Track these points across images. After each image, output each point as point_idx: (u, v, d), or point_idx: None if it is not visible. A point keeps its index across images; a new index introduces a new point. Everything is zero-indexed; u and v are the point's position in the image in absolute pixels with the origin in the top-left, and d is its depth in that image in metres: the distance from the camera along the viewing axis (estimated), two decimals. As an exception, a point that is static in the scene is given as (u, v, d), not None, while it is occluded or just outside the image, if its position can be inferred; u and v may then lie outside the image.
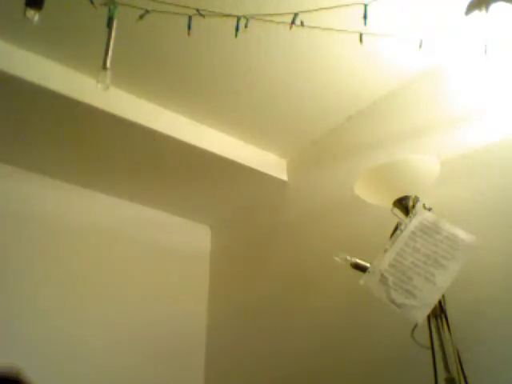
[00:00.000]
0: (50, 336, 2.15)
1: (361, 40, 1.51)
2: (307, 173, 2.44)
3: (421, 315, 1.31)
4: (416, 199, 1.58)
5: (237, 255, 2.69)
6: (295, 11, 1.45)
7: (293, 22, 1.46)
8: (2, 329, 2.05)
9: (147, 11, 1.39)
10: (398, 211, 1.60)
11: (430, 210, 1.50)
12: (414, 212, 1.49)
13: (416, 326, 1.42)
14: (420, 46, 1.62)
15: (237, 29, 1.43)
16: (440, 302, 1.41)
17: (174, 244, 2.73)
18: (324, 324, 2.02)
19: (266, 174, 2.46)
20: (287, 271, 2.30)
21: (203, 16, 1.44)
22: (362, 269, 1.43)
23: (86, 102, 1.95)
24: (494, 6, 1.38)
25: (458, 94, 1.86)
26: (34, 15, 1.24)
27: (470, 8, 1.40)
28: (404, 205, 1.59)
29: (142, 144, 2.23)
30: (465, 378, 1.35)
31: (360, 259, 1.47)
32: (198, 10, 1.43)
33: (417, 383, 1.55)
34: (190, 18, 1.43)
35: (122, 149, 2.27)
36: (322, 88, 2.11)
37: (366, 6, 1.41)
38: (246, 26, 1.43)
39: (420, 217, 1.46)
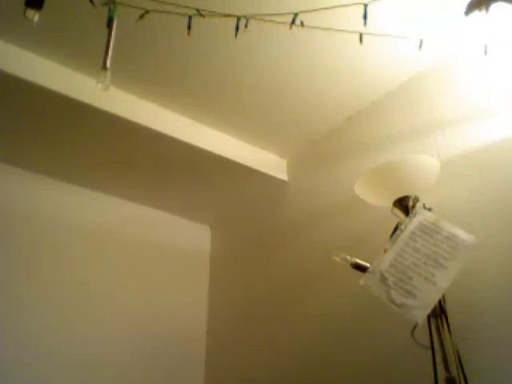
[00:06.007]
0: (48, 337, 2.15)
1: (361, 40, 1.52)
2: (307, 173, 2.44)
3: (421, 315, 1.31)
4: (416, 199, 1.58)
5: (237, 255, 2.68)
6: (295, 11, 1.46)
7: (293, 22, 1.46)
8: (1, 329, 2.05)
9: (147, 11, 1.40)
10: (398, 211, 1.60)
11: (430, 210, 1.50)
12: (414, 212, 1.49)
13: (416, 325, 1.42)
14: (420, 46, 1.62)
15: (237, 29, 1.44)
16: (440, 302, 1.41)
17: (174, 244, 2.73)
18: (324, 324, 2.02)
19: (266, 174, 2.46)
20: (287, 271, 2.30)
21: (203, 16, 1.45)
22: (362, 269, 1.43)
23: (85, 102, 1.95)
24: (493, 6, 1.38)
25: (457, 95, 1.86)
26: (33, 15, 1.24)
27: (470, 8, 1.40)
28: (404, 205, 1.59)
29: (142, 144, 2.23)
30: (465, 377, 1.35)
31: (360, 259, 1.47)
32: (198, 10, 1.44)
33: (417, 383, 1.56)
34: (190, 17, 1.43)
35: (121, 149, 2.27)
36: (321, 88, 2.11)
37: (365, 5, 1.41)
38: (246, 26, 1.43)
39: (420, 217, 1.46)
